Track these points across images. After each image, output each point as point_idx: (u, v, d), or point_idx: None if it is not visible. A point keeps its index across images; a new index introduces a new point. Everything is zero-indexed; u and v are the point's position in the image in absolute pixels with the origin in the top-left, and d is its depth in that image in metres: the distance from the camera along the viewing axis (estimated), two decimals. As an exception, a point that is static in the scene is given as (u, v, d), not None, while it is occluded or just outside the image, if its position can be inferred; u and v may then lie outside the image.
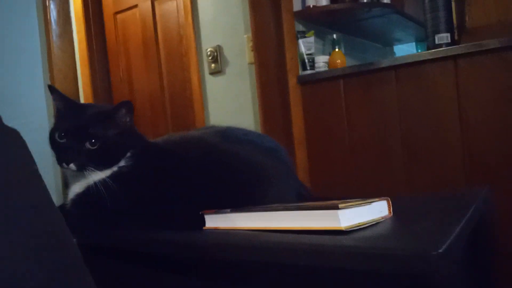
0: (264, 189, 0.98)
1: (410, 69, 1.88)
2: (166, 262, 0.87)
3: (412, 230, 0.71)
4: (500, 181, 1.69)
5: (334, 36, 2.28)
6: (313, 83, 2.14)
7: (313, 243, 0.64)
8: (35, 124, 1.12)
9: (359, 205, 0.75)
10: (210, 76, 2.58)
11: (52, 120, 0.93)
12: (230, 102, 2.50)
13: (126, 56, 3.07)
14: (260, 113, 2.25)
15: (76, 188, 0.91)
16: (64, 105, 0.90)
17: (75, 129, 0.87)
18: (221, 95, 2.55)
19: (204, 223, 0.88)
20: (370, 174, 1.98)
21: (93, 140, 0.86)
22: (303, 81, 2.15)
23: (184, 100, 2.80)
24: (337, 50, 2.21)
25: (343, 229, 0.69)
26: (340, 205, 0.70)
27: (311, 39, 2.20)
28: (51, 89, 0.90)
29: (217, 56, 2.52)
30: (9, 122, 0.73)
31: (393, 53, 3.39)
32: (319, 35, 2.35)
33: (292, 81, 2.14)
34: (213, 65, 2.54)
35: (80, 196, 0.89)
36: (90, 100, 2.97)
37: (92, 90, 2.98)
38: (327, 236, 0.69)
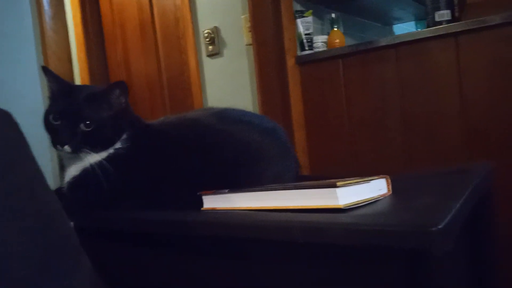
0: (261, 169, 0.98)
1: (410, 47, 1.85)
2: (164, 243, 0.87)
3: (411, 206, 0.70)
4: (499, 157, 1.68)
5: (333, 15, 2.24)
6: (311, 63, 2.11)
7: (311, 221, 0.64)
8: (29, 107, 1.10)
9: (358, 183, 0.74)
10: (208, 58, 2.55)
11: (47, 102, 0.92)
12: (228, 84, 2.48)
13: (122, 39, 3.03)
14: (259, 94, 2.23)
15: (72, 170, 0.90)
16: (58, 87, 0.89)
17: (69, 111, 0.85)
18: (219, 77, 2.52)
19: (202, 204, 0.88)
20: (370, 153, 1.97)
21: (87, 122, 0.85)
22: (302, 62, 2.13)
23: (181, 83, 2.77)
24: (335, 29, 2.18)
25: (342, 207, 0.68)
26: (338, 183, 0.69)
27: (309, 18, 2.17)
28: (45, 70, 0.89)
29: (214, 38, 2.48)
30: (2, 105, 0.71)
31: (392, 32, 3.35)
32: (317, 15, 2.31)
33: (290, 62, 2.11)
34: (210, 47, 2.51)
35: (76, 179, 0.88)
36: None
37: (89, 75, 2.96)
38: (325, 214, 0.68)
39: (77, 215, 0.84)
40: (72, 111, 0.85)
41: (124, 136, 0.90)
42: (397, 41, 1.90)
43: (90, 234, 0.86)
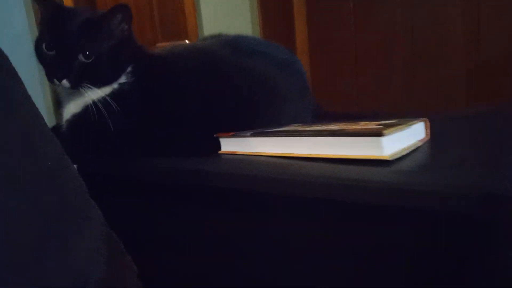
0: (280, 108, 0.89)
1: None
2: (177, 193, 0.79)
3: (458, 157, 0.63)
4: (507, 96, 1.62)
5: None
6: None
7: (359, 179, 0.56)
8: (13, 32, 0.96)
9: (401, 129, 0.66)
10: (203, -24, 2.33)
11: (35, 28, 0.78)
12: (225, 4, 2.29)
13: None
14: (259, 17, 2.06)
15: (72, 108, 0.79)
16: (50, 10, 0.75)
17: (65, 39, 0.73)
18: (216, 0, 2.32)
19: (218, 147, 0.80)
20: (373, 85, 1.89)
21: (87, 52, 0.73)
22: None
23: (173, 2, 2.56)
24: None
25: (388, 158, 0.61)
26: (384, 131, 0.61)
27: None
28: (33, -11, 0.74)
29: (211, -48, 2.24)
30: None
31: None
32: None
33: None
34: (206, -38, 2.27)
35: (77, 117, 0.78)
36: None
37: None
38: (369, 167, 0.60)
39: (79, 159, 0.75)
40: (69, 40, 0.73)
41: (129, 69, 0.79)
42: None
43: (94, 180, 0.78)
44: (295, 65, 0.96)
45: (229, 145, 0.78)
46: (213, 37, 0.99)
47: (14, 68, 0.59)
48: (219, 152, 0.79)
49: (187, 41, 2.38)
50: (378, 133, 0.61)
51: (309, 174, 0.61)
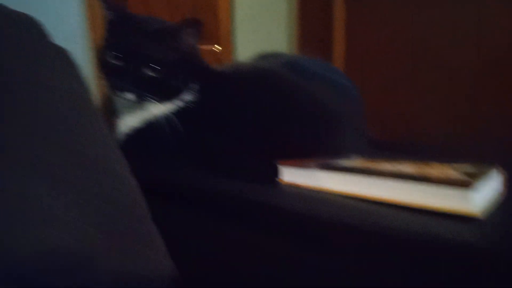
0: (339, 135, 0.85)
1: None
2: (232, 215, 0.76)
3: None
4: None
5: None
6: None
7: (452, 239, 0.52)
8: (68, 31, 0.93)
9: (485, 179, 0.62)
10: (241, -23, 2.29)
11: (87, 28, 0.75)
12: (261, 9, 2.25)
13: None
14: (297, 26, 2.03)
15: (131, 120, 0.76)
16: (118, 16, 0.72)
17: (133, 49, 0.69)
18: (252, 1, 2.28)
19: (278, 174, 0.76)
20: (414, 102, 1.83)
21: (154, 65, 0.70)
22: (351, -5, 1.90)
23: (206, 5, 2.52)
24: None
25: (478, 215, 0.56)
26: (472, 184, 0.57)
27: None
28: (101, -7, 0.71)
29: (251, -46, 2.20)
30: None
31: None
32: None
33: (338, -7, 1.89)
34: (245, -36, 2.23)
35: (137, 131, 0.75)
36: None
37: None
38: (458, 223, 0.56)
39: (138, 172, 0.72)
40: (137, 50, 0.69)
41: (194, 86, 0.75)
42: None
43: (149, 192, 0.74)
44: (353, 91, 0.93)
45: (291, 175, 0.75)
46: (272, 55, 0.96)
47: (80, 74, 0.56)
48: (278, 180, 0.75)
49: (217, 46, 2.34)
50: (466, 185, 0.57)
51: (394, 227, 0.56)
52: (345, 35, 1.95)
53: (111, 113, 0.82)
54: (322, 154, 0.80)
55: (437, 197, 0.59)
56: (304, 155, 0.77)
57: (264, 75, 0.82)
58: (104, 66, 0.72)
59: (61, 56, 0.51)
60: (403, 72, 1.84)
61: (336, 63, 1.95)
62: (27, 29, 0.49)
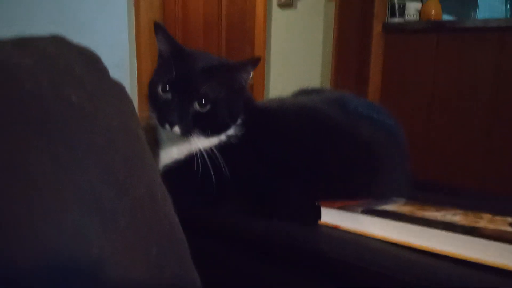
0: (383, 178, 0.83)
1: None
2: (268, 256, 0.74)
3: None
4: None
5: (431, -20, 1.97)
6: (401, 33, 1.89)
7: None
8: (114, 59, 0.95)
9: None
10: (278, 9, 2.33)
11: (133, 58, 0.76)
12: (297, 41, 2.27)
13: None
14: (333, 59, 2.03)
15: (174, 152, 0.76)
16: (171, 50, 0.73)
17: (184, 84, 0.70)
18: (288, 32, 2.31)
19: (318, 214, 0.74)
20: (449, 142, 1.79)
21: (203, 101, 0.70)
22: (390, 30, 1.90)
23: (242, 32, 2.56)
24: (433, -2, 1.92)
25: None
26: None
27: (405, -19, 1.91)
28: (157, 27, 0.72)
29: (290, -13, 2.24)
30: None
31: (476, 4, 3.02)
32: (412, -22, 2.04)
33: (377, 28, 1.89)
34: (283, -4, 2.27)
35: (179, 164, 0.75)
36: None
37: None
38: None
39: (179, 205, 0.71)
40: (188, 85, 0.70)
41: (239, 121, 0.75)
42: (507, 24, 1.65)
43: (186, 225, 0.73)
44: (398, 131, 0.91)
45: (333, 217, 0.73)
46: (317, 91, 0.95)
47: (134, 110, 0.56)
48: (320, 222, 0.74)
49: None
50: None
51: (441, 281, 0.54)
52: (382, 70, 1.94)
53: (154, 143, 0.82)
54: (366, 196, 0.78)
55: (492, 253, 0.56)
56: (348, 197, 0.75)
57: (309, 112, 0.81)
58: (153, 99, 0.73)
59: (120, 92, 0.51)
60: (439, 112, 1.81)
61: (371, 97, 1.93)
62: (90, 65, 0.50)
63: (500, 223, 0.64)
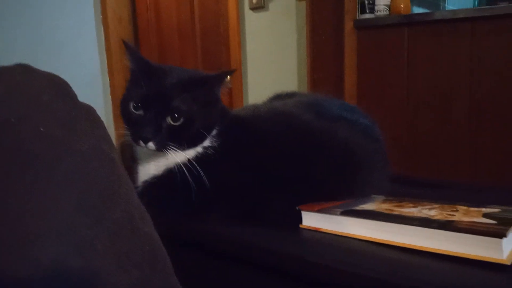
0: (363, 177, 0.84)
1: (491, 23, 1.64)
2: (252, 266, 0.74)
3: None
4: None
5: (398, -26, 2.00)
6: (372, 28, 1.91)
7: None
8: (86, 77, 0.94)
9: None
10: (251, 12, 2.33)
11: (105, 75, 0.76)
12: (271, 42, 2.28)
13: (153, -19, 2.78)
14: (308, 58, 2.04)
15: (151, 168, 0.76)
16: (141, 67, 0.73)
17: (156, 100, 0.70)
18: (262, 34, 2.32)
19: (299, 219, 0.75)
20: (429, 137, 1.82)
21: (176, 115, 0.70)
22: (361, 26, 1.93)
23: (217, 35, 2.56)
24: (401, -8, 1.95)
25: (508, 263, 0.55)
26: (506, 233, 0.56)
27: (374, -23, 1.93)
28: (126, 45, 0.72)
29: (261, -11, 2.25)
30: (57, 72, 0.56)
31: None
32: (380, -27, 2.07)
33: (348, 25, 1.91)
34: (254, -1, 2.28)
35: (157, 179, 0.75)
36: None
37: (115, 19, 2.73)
38: (488, 272, 0.55)
39: (158, 222, 0.71)
40: (159, 101, 0.70)
41: (214, 132, 0.75)
42: (476, 14, 1.69)
43: (168, 241, 0.74)
44: (374, 130, 0.92)
45: (313, 220, 0.74)
46: (290, 95, 0.96)
47: (107, 133, 0.56)
48: (301, 225, 0.75)
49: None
50: (499, 234, 0.56)
51: (425, 280, 0.55)
52: (356, 67, 1.96)
53: (130, 160, 0.82)
54: (345, 196, 0.79)
55: (466, 245, 0.58)
56: (329, 198, 0.76)
57: (284, 118, 0.82)
58: (126, 116, 0.73)
59: (90, 116, 0.51)
60: (417, 105, 1.84)
61: (348, 95, 1.96)
62: (58, 92, 0.50)
63: (474, 215, 0.66)
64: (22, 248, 0.39)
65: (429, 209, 0.71)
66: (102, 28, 1.00)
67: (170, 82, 0.71)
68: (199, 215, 0.75)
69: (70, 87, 0.54)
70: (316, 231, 0.73)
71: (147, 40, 2.76)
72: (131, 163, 0.81)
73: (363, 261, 0.61)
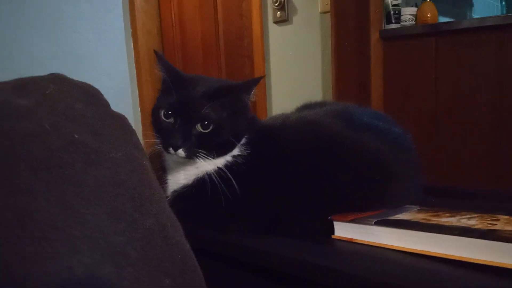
0: (395, 187, 0.82)
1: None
2: (283, 278, 0.73)
3: None
4: None
5: (424, -16, 1.98)
6: (398, 39, 1.89)
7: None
8: (115, 89, 0.95)
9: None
10: (274, 25, 2.34)
11: (134, 86, 0.76)
12: (295, 55, 2.28)
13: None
14: (333, 70, 2.03)
15: (181, 178, 0.76)
16: (172, 77, 0.73)
17: (186, 108, 0.70)
18: (286, 47, 2.32)
19: (331, 230, 0.73)
20: (456, 146, 1.77)
21: (205, 122, 0.70)
22: (387, 36, 1.90)
23: (241, 49, 2.58)
24: (428, 1, 1.92)
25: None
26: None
27: (399, -13, 1.92)
28: (157, 56, 0.73)
29: (284, 3, 2.26)
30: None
31: (471, 3, 3.03)
32: (405, -17, 2.05)
33: (374, 36, 1.89)
34: (278, 12, 2.29)
35: (188, 189, 0.74)
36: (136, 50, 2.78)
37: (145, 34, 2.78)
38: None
39: (190, 232, 0.71)
40: (189, 109, 0.70)
41: (243, 141, 0.75)
42: (504, 22, 1.64)
43: (198, 250, 0.73)
44: (406, 138, 0.90)
45: (346, 230, 0.72)
46: (320, 104, 0.95)
47: (138, 141, 0.56)
48: (333, 236, 0.73)
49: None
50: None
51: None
52: (383, 77, 1.94)
53: (161, 170, 0.82)
54: (378, 207, 0.77)
55: (509, 255, 0.55)
56: (360, 209, 0.74)
57: (313, 127, 0.81)
58: (156, 124, 0.73)
59: (122, 124, 0.52)
60: (444, 115, 1.80)
61: (374, 105, 1.93)
62: (91, 100, 0.50)
63: (516, 224, 0.63)
64: (55, 257, 0.39)
65: (468, 218, 0.68)
66: (131, 41, 1.01)
67: (200, 91, 0.71)
68: (229, 225, 0.74)
69: (103, 96, 0.55)
70: (349, 242, 0.71)
71: (172, 58, 2.80)
72: (160, 173, 0.81)
73: (399, 272, 0.58)
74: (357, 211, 0.75)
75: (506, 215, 0.69)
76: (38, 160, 0.42)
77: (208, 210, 0.73)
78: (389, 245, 0.66)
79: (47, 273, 0.36)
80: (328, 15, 2.05)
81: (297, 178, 0.74)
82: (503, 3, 2.88)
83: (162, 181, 0.80)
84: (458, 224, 0.64)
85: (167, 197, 0.77)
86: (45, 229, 0.38)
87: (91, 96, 0.52)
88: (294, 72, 2.30)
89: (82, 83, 0.55)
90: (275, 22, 2.33)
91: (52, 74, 0.54)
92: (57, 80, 0.53)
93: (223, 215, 0.72)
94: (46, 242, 0.38)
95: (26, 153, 0.41)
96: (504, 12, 2.78)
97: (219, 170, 0.72)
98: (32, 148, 0.42)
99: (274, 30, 2.35)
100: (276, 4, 2.28)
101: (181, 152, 0.71)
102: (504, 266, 0.55)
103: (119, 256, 0.42)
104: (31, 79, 0.52)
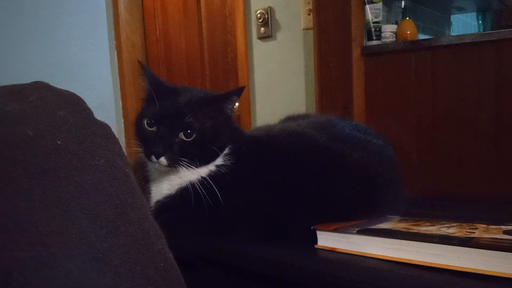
0: (378, 197, 0.83)
1: (496, 46, 1.65)
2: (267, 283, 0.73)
3: None
4: None
5: (403, 3, 2.04)
6: (379, 55, 1.93)
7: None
8: (99, 99, 0.95)
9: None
10: (258, 41, 2.37)
11: (117, 98, 0.76)
12: (279, 71, 2.31)
13: (163, 14, 2.85)
14: (316, 85, 2.06)
15: (164, 187, 0.76)
16: (156, 87, 0.74)
17: (169, 117, 0.71)
18: (269, 63, 2.35)
19: (314, 239, 0.74)
20: (437, 159, 1.81)
21: (188, 131, 0.71)
22: (368, 53, 1.94)
23: (225, 64, 2.60)
24: (407, 19, 1.98)
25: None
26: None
27: (379, 5, 1.97)
28: (142, 67, 0.74)
29: (268, 19, 2.30)
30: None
31: (449, 22, 3.12)
32: (386, 2, 2.11)
33: (356, 52, 1.93)
34: (262, 28, 2.32)
35: (170, 199, 0.74)
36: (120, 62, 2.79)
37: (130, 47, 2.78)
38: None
39: (173, 243, 0.70)
40: (172, 117, 0.71)
41: (227, 151, 0.75)
42: (481, 39, 1.70)
43: (184, 261, 0.72)
44: (387, 151, 0.91)
45: (329, 240, 0.72)
46: (303, 116, 0.96)
47: (121, 149, 0.56)
48: (316, 246, 0.73)
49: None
50: (522, 250, 0.54)
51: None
52: (364, 93, 1.97)
53: (144, 180, 0.82)
54: (360, 216, 0.77)
55: (487, 262, 0.56)
56: (344, 218, 0.75)
57: (297, 137, 0.82)
58: (140, 133, 0.73)
59: (105, 132, 0.52)
60: (428, 128, 1.83)
61: (357, 121, 1.96)
62: (74, 108, 0.50)
63: (494, 232, 0.64)
64: (37, 266, 0.38)
65: (448, 227, 0.69)
66: (115, 53, 1.02)
67: (183, 100, 0.72)
68: (212, 235, 0.74)
69: (86, 104, 0.55)
70: (332, 251, 0.71)
71: (157, 70, 2.81)
72: (143, 183, 0.81)
73: (381, 280, 0.59)
74: (341, 220, 0.76)
75: (483, 223, 0.71)
76: (21, 166, 0.41)
77: (192, 220, 0.73)
78: (371, 253, 0.67)
79: (27, 282, 0.36)
80: (311, 31, 2.09)
81: (280, 188, 0.75)
82: (480, 22, 2.98)
83: (146, 192, 0.80)
84: (438, 232, 0.66)
85: (150, 207, 0.76)
86: (27, 234, 0.38)
87: (74, 104, 0.52)
88: (278, 87, 2.33)
89: (65, 91, 0.55)
90: (259, 38, 2.36)
91: (35, 82, 0.54)
92: (40, 88, 0.53)
93: (206, 225, 0.72)
94: (29, 248, 0.38)
95: (9, 159, 0.41)
96: (481, 30, 2.87)
97: (202, 180, 0.72)
98: (16, 154, 0.42)
99: (258, 46, 2.38)
100: (260, 21, 2.32)
101: (163, 160, 0.71)
102: (481, 272, 0.56)
103: (102, 262, 0.42)
104: (14, 87, 0.52)
